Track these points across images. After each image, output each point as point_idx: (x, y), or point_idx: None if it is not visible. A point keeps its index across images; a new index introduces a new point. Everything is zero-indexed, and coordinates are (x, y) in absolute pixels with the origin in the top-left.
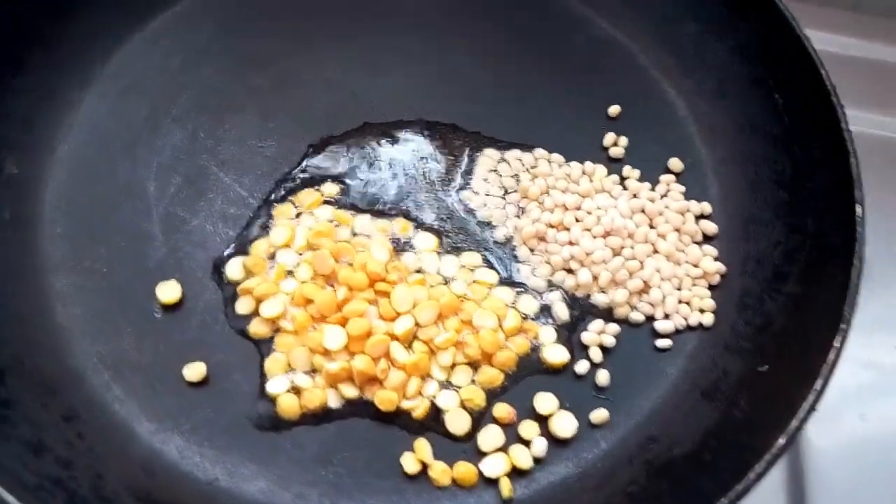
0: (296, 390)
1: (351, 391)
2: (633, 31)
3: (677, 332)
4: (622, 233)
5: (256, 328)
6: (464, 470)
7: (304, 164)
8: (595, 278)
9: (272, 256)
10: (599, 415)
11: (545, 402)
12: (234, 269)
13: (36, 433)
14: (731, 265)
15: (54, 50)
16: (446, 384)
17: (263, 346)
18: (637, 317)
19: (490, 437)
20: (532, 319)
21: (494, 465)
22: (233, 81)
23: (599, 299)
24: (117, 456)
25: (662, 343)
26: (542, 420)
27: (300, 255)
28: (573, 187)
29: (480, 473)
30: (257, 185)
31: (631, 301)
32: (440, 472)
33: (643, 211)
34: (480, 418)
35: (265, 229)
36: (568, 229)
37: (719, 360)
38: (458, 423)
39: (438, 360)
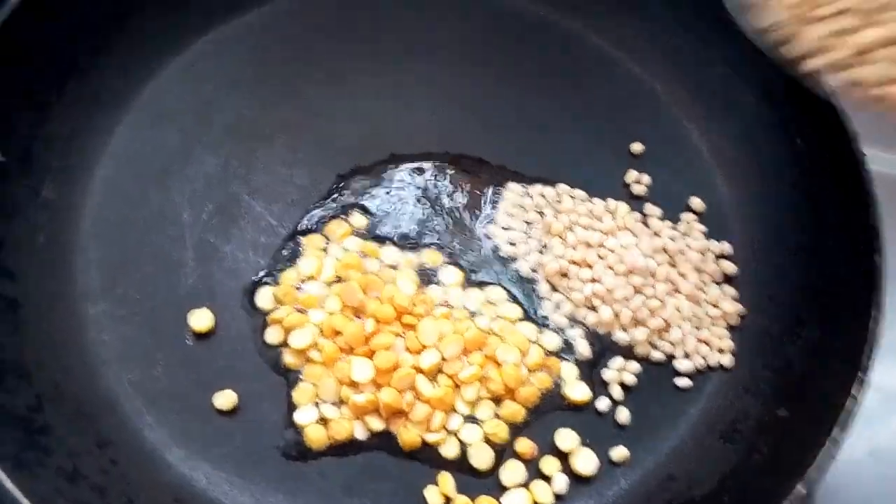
0: (323, 421)
1: (377, 423)
2: (660, 71)
3: (697, 371)
4: (644, 272)
5: (285, 358)
6: None
7: (332, 193)
8: (617, 316)
9: (301, 286)
10: (620, 453)
11: (566, 438)
12: (264, 298)
13: (71, 460)
14: (751, 306)
15: (92, 78)
16: (470, 418)
17: (291, 376)
18: (657, 355)
19: (512, 472)
20: (554, 355)
21: (516, 501)
22: (264, 111)
23: (620, 337)
24: (149, 483)
25: (682, 382)
26: (563, 456)
27: (329, 286)
28: (596, 224)
29: None
30: (287, 214)
31: (651, 340)
32: None
33: (664, 250)
34: (503, 453)
35: (294, 259)
36: (591, 266)
37: (738, 402)
38: (481, 457)
39: (463, 395)
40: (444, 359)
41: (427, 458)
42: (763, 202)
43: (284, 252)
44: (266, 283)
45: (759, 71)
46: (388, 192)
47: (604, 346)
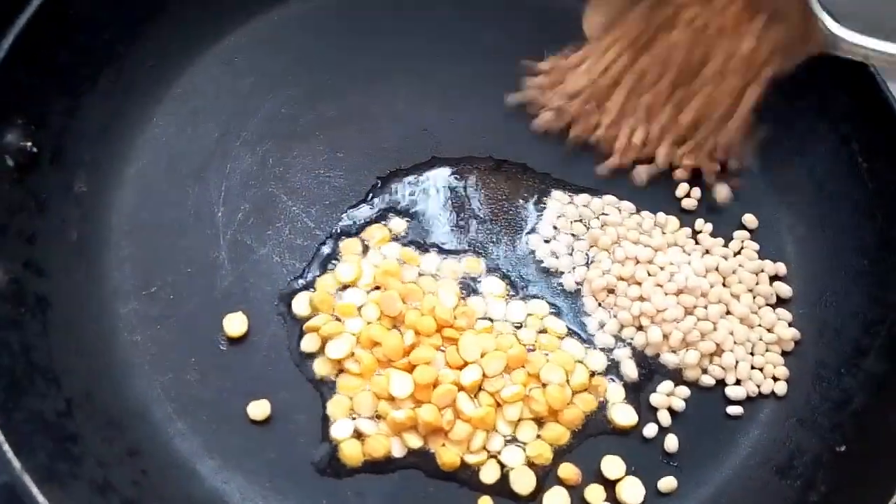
0: (359, 436)
1: (415, 441)
2: None
3: (749, 399)
4: (696, 292)
5: (321, 368)
6: None
7: (371, 196)
8: (666, 337)
9: (339, 292)
10: (668, 483)
11: (613, 466)
12: (300, 304)
13: (102, 471)
14: (807, 333)
15: (126, 67)
16: (511, 439)
17: (326, 387)
18: (708, 380)
19: (555, 498)
20: (600, 375)
21: None
22: (303, 108)
23: (669, 359)
24: (181, 496)
25: (734, 410)
26: (609, 484)
27: (367, 293)
28: (644, 239)
29: None
30: (324, 216)
31: (702, 364)
32: None
33: (717, 269)
34: (545, 478)
35: (332, 263)
36: (639, 284)
37: (793, 434)
38: (523, 482)
39: (504, 414)
40: (485, 375)
41: (466, 481)
42: (820, 222)
43: (322, 256)
44: (303, 289)
45: (819, 83)
46: (428, 197)
47: (651, 369)
